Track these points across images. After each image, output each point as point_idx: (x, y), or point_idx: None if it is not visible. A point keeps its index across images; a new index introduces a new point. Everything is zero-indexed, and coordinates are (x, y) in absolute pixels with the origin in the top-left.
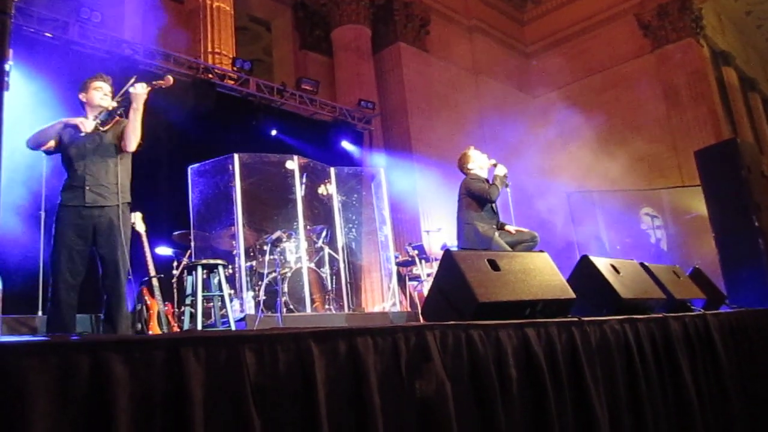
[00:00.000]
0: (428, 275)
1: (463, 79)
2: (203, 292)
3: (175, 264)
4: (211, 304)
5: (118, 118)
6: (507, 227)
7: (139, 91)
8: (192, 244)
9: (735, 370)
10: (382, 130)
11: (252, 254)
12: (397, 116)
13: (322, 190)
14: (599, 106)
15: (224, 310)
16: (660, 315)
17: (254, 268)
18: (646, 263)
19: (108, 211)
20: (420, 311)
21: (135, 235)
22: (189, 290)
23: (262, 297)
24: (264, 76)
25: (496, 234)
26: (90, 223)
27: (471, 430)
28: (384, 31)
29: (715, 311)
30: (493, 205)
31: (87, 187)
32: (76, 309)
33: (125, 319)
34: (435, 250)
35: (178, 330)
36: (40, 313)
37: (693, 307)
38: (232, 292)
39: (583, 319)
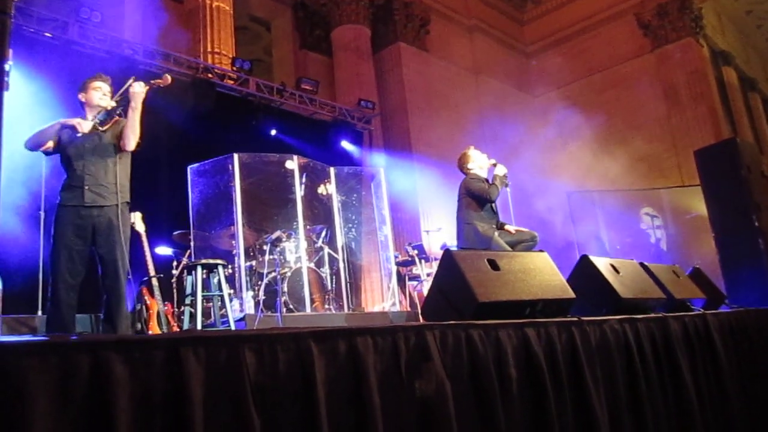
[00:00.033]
0: (428, 275)
1: (463, 78)
2: (203, 291)
3: (174, 264)
4: (211, 303)
5: (117, 117)
6: (507, 227)
7: (137, 90)
8: (192, 243)
9: (735, 370)
10: (381, 129)
11: (252, 254)
12: (397, 116)
13: (321, 189)
14: (599, 105)
15: (224, 310)
16: (660, 315)
17: (254, 268)
18: (646, 263)
19: (107, 210)
20: (420, 311)
21: (135, 234)
22: (189, 290)
23: (261, 297)
24: (264, 76)
25: (496, 234)
26: (89, 223)
27: (471, 430)
28: (384, 31)
29: (715, 311)
30: (493, 204)
31: (86, 187)
32: (76, 309)
33: (125, 319)
34: (435, 250)
35: (178, 330)
36: (40, 313)
37: (693, 307)
38: (232, 291)
39: (582, 318)
